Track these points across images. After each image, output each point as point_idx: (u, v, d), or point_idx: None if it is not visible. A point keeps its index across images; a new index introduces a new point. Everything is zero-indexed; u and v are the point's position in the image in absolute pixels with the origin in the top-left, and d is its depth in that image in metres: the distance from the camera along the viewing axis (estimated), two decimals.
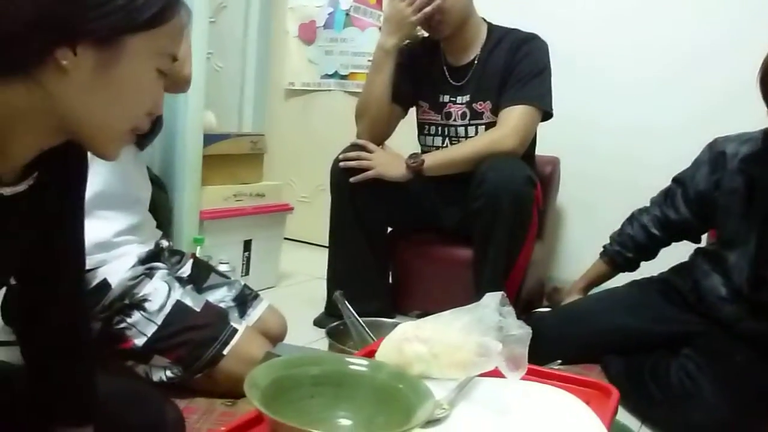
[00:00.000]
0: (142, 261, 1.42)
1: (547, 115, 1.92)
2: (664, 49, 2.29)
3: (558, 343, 1.68)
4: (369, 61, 2.89)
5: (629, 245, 1.81)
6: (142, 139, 1.55)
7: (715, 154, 1.58)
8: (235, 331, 1.39)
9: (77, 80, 0.67)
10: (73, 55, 0.66)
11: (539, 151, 2.09)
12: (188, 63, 1.50)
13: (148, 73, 0.73)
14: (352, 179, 1.93)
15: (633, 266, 1.84)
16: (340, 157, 1.97)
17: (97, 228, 1.37)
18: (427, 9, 1.88)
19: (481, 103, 1.97)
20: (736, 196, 1.50)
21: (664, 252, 1.82)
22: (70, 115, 0.70)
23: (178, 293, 1.40)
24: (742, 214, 1.48)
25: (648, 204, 1.81)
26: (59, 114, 0.70)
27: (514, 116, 1.87)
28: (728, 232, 1.55)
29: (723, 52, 2.18)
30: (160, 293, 1.38)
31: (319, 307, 2.06)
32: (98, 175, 1.38)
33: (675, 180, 1.74)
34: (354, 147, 1.99)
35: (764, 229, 1.43)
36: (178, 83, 1.50)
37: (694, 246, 1.75)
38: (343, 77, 3.05)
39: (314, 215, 2.77)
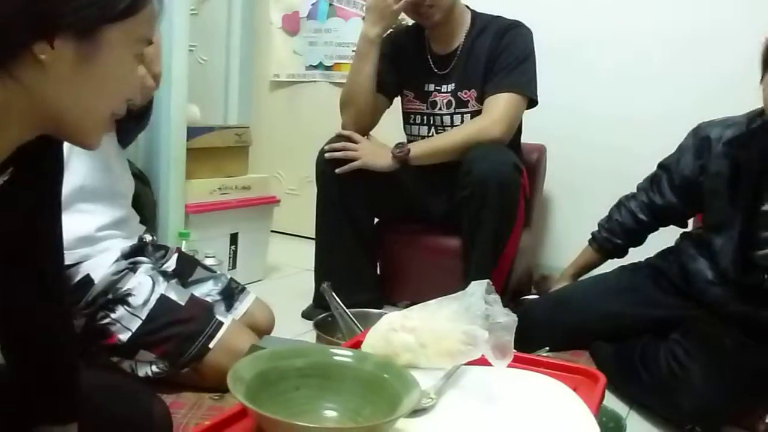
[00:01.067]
0: (126, 256, 1.40)
1: (532, 102, 1.91)
2: (651, 36, 2.28)
3: (547, 329, 1.69)
4: (353, 51, 2.87)
5: (617, 231, 1.81)
6: (125, 136, 1.54)
7: (699, 139, 1.58)
8: (221, 324, 1.38)
9: (56, 73, 0.67)
10: (51, 49, 0.65)
11: (525, 138, 2.09)
12: (157, 61, 1.48)
13: (126, 60, 0.73)
14: (338, 170, 1.91)
15: (622, 252, 1.85)
16: (326, 148, 1.96)
17: (79, 222, 1.36)
18: None
19: (466, 91, 1.96)
20: (721, 179, 1.50)
21: (651, 238, 1.82)
22: (49, 108, 0.69)
23: (163, 287, 1.38)
24: (728, 198, 1.48)
25: (635, 190, 1.81)
26: (38, 108, 0.69)
27: (500, 104, 1.86)
28: (714, 216, 1.55)
29: (711, 40, 2.18)
30: (144, 288, 1.36)
31: (307, 299, 2.05)
32: (79, 169, 1.36)
33: (660, 166, 1.74)
34: (339, 138, 1.97)
35: (749, 212, 1.44)
36: (147, 85, 1.37)
37: (680, 231, 1.75)
38: (328, 68, 3.03)
39: (301, 207, 2.76)
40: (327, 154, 1.94)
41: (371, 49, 1.95)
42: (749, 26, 1.99)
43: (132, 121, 1.48)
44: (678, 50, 2.24)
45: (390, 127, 2.16)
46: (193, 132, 2.10)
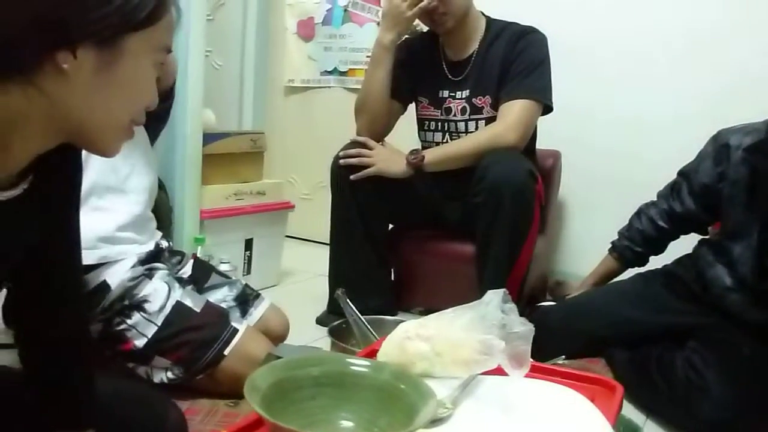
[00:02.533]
0: (142, 261, 1.41)
1: (547, 108, 1.90)
2: (665, 41, 2.27)
3: (562, 337, 1.67)
4: (368, 57, 2.88)
5: (638, 239, 1.80)
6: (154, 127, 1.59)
7: (718, 146, 1.57)
8: (236, 330, 1.38)
9: (78, 82, 0.67)
10: (73, 58, 0.66)
11: (540, 144, 2.08)
12: (170, 72, 1.52)
13: (146, 68, 0.74)
14: (352, 177, 1.91)
15: (642, 261, 1.83)
16: (341, 154, 1.96)
17: (99, 221, 1.37)
18: (424, 3, 1.86)
19: (481, 97, 1.96)
20: (739, 186, 1.49)
21: (672, 246, 1.80)
22: (71, 117, 0.70)
23: (178, 294, 1.39)
24: (746, 205, 1.47)
25: (652, 197, 1.80)
26: (60, 116, 0.69)
27: (515, 110, 1.85)
28: (732, 222, 1.53)
29: (724, 43, 2.17)
30: (160, 294, 1.37)
31: (322, 305, 2.05)
32: (93, 165, 1.37)
33: (680, 173, 1.73)
34: (354, 144, 1.97)
35: (767, 219, 1.42)
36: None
37: (699, 238, 1.74)
38: (343, 73, 3.03)
39: (316, 212, 2.76)
40: (342, 161, 1.94)
41: (385, 55, 1.95)
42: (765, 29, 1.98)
43: (152, 122, 1.51)
44: (693, 55, 2.22)
45: (405, 134, 2.16)
46: (208, 138, 2.11)
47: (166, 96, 1.55)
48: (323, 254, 2.10)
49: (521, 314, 0.90)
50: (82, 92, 0.69)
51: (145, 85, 0.75)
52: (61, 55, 0.65)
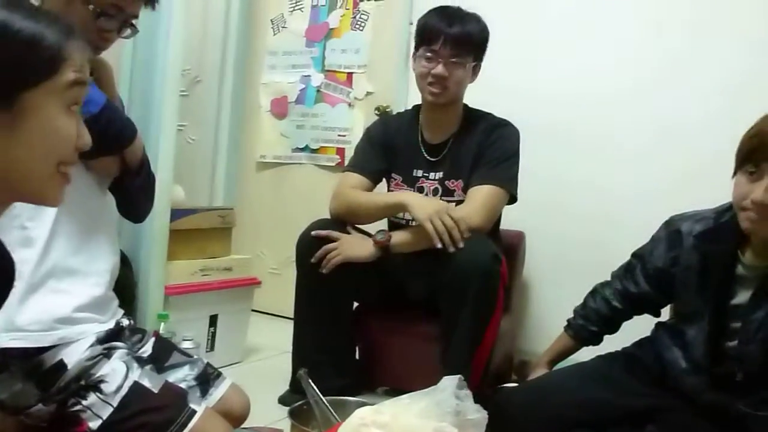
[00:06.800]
0: (101, 341, 1.39)
1: (512, 198, 1.97)
2: (630, 124, 2.37)
3: (525, 418, 1.66)
4: (339, 135, 2.97)
5: (593, 318, 1.82)
6: (130, 193, 1.54)
7: (671, 232, 1.63)
8: (194, 412, 1.35)
9: None
10: None
11: (504, 225, 2.13)
12: (111, 84, 1.47)
13: (55, 115, 0.73)
14: (321, 269, 1.92)
15: (597, 340, 1.85)
16: (312, 258, 1.95)
17: (55, 302, 1.35)
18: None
19: (454, 180, 2.01)
20: (691, 272, 1.53)
21: (627, 326, 1.84)
22: None
23: (136, 374, 1.37)
24: (698, 290, 1.51)
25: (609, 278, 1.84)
26: None
27: (482, 194, 1.91)
28: (685, 306, 1.57)
29: (692, 123, 2.27)
30: (118, 374, 1.34)
31: (285, 383, 2.03)
32: (54, 249, 1.36)
33: (634, 255, 1.78)
34: (316, 240, 1.95)
35: (718, 304, 1.47)
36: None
37: (655, 320, 1.77)
38: (314, 151, 3.10)
39: (284, 287, 2.75)
40: (313, 259, 1.93)
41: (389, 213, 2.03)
42: (737, 114, 2.10)
43: (134, 178, 1.50)
44: (661, 138, 2.33)
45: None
46: (176, 213, 2.13)
47: (137, 170, 1.54)
48: (290, 330, 2.09)
49: (485, 396, 0.91)
50: None
51: (58, 130, 0.73)
52: None
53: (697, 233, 1.55)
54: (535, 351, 2.34)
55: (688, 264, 1.55)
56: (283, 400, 1.95)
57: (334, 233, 1.96)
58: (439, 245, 1.78)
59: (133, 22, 1.46)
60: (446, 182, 2.02)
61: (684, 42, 2.30)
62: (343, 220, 2.02)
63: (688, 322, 1.55)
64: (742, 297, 1.46)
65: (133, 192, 1.55)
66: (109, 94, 1.44)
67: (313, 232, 1.97)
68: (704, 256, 1.51)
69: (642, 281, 1.72)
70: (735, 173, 1.41)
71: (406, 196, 1.95)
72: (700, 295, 1.50)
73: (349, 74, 2.99)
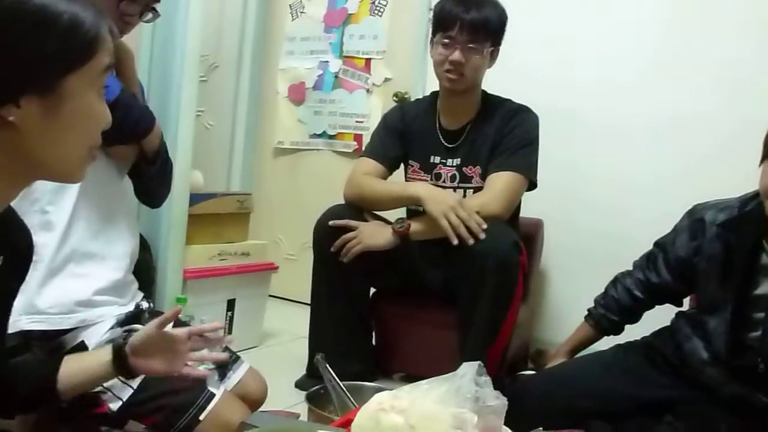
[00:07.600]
0: (121, 323, 1.41)
1: (531, 185, 1.95)
2: (648, 114, 2.34)
3: (542, 407, 1.66)
4: (357, 121, 2.96)
5: (613, 308, 1.81)
6: (149, 182, 1.56)
7: (694, 221, 1.60)
8: (213, 395, 1.37)
9: (28, 129, 0.70)
10: (17, 109, 0.69)
11: (524, 213, 2.11)
12: (133, 76, 1.48)
13: (92, 98, 0.76)
14: (341, 258, 1.91)
15: (617, 329, 1.84)
16: (333, 249, 1.94)
17: (75, 286, 1.37)
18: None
19: (471, 167, 2.00)
20: (714, 262, 1.51)
21: (648, 316, 1.82)
22: (30, 159, 0.73)
23: None
24: (720, 280, 1.49)
25: (630, 267, 1.82)
26: (20, 160, 0.72)
27: (501, 181, 1.89)
28: (707, 297, 1.55)
29: (708, 113, 2.24)
30: None
31: (302, 368, 2.03)
32: (73, 234, 1.38)
33: (656, 244, 1.76)
34: (334, 229, 1.94)
35: (740, 295, 1.44)
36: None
37: (676, 310, 1.75)
38: (331, 137, 3.09)
39: (301, 273, 2.76)
40: (332, 249, 1.93)
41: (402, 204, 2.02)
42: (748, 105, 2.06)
43: (150, 166, 1.51)
44: (675, 125, 2.30)
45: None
46: (195, 198, 2.14)
47: (153, 159, 1.54)
48: (306, 315, 2.09)
49: (502, 384, 0.91)
50: (34, 136, 0.71)
51: (93, 113, 0.77)
52: (4, 109, 0.68)
53: (720, 222, 1.52)
54: (551, 340, 2.33)
55: (710, 253, 1.53)
56: (299, 385, 1.96)
57: (352, 222, 1.94)
58: (456, 241, 1.77)
59: (155, 6, 1.46)
60: (464, 168, 2.01)
61: (702, 31, 2.26)
62: (358, 206, 2.01)
63: (709, 312, 1.53)
64: (766, 287, 1.44)
65: (148, 178, 1.56)
66: (131, 78, 1.45)
67: (330, 222, 1.95)
68: (727, 245, 1.49)
69: (664, 271, 1.70)
70: (762, 161, 1.38)
71: (420, 188, 1.93)
72: (722, 284, 1.48)
73: (368, 60, 2.97)
